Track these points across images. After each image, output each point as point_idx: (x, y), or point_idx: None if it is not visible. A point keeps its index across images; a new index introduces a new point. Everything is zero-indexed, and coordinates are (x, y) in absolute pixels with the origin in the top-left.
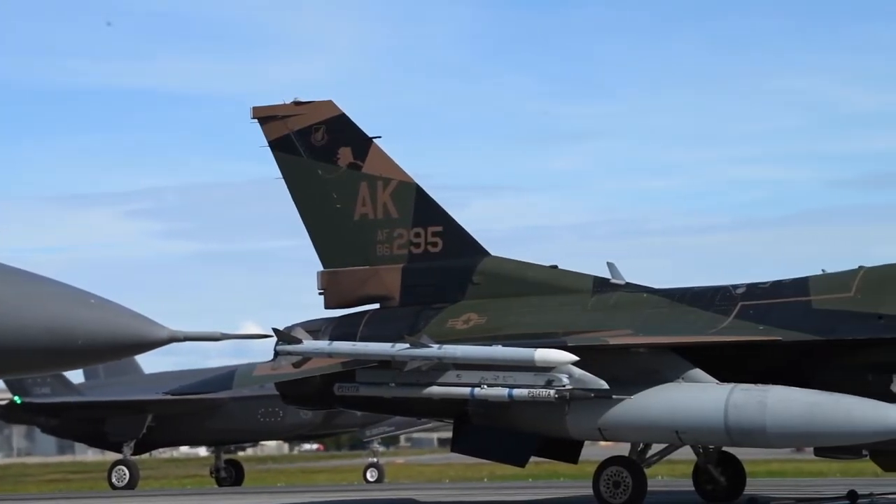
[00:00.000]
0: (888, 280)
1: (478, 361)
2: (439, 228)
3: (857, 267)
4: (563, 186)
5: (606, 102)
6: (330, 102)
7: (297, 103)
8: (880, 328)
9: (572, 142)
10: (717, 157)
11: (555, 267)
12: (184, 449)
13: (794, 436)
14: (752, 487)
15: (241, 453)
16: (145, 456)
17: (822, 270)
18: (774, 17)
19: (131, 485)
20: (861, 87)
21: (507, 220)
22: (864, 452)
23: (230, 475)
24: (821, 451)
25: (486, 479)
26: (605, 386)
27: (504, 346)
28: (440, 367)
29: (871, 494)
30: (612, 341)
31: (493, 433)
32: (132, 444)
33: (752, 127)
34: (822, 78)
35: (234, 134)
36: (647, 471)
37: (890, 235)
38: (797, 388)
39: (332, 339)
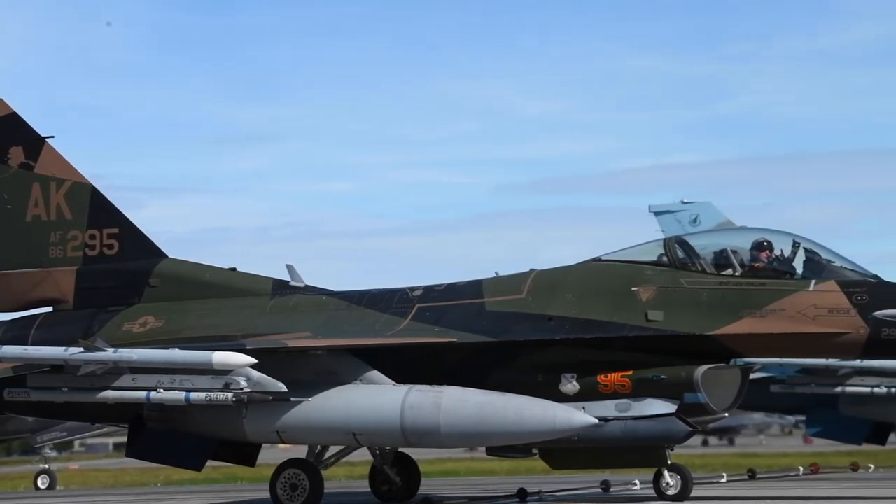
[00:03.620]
0: (557, 282)
1: (154, 365)
2: (115, 230)
3: (528, 269)
4: (242, 188)
5: (286, 105)
6: None
7: None
8: (550, 329)
9: (251, 144)
10: (396, 161)
11: (233, 269)
12: None
13: (467, 435)
14: (427, 487)
15: None
16: None
17: (496, 273)
18: (452, 22)
19: None
20: (531, 94)
21: (185, 222)
22: (534, 451)
23: None
24: (492, 451)
25: (160, 485)
26: (284, 388)
27: (181, 349)
28: (115, 370)
29: (539, 492)
30: (291, 344)
31: (168, 437)
32: None
33: (429, 131)
34: (495, 84)
35: None
36: (324, 472)
37: (559, 238)
38: (471, 389)
39: (2, 342)
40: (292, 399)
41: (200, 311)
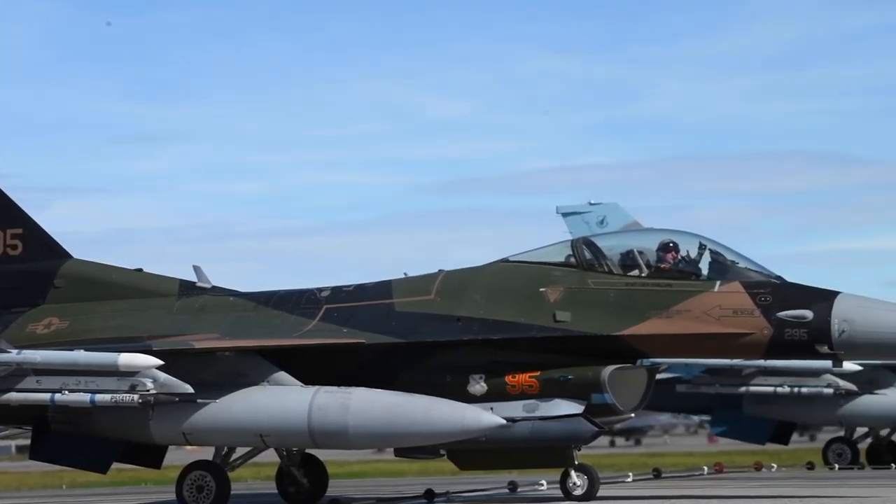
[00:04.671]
0: (466, 283)
1: (59, 366)
2: (19, 231)
3: (437, 270)
4: (149, 189)
5: (192, 104)
6: None
7: None
8: (458, 330)
9: (158, 144)
10: (304, 161)
11: (140, 270)
12: None
13: (376, 436)
14: (335, 488)
15: None
16: None
17: (405, 273)
18: (358, 21)
19: None
20: (440, 95)
21: (92, 223)
22: (442, 452)
23: None
24: (401, 452)
25: (65, 487)
26: (190, 390)
27: (87, 350)
28: (19, 372)
29: (447, 493)
30: (198, 345)
31: (73, 439)
32: None
33: (338, 131)
34: (404, 85)
35: None
36: (231, 474)
37: (467, 239)
38: (379, 390)
39: None
40: (199, 401)
41: (106, 312)
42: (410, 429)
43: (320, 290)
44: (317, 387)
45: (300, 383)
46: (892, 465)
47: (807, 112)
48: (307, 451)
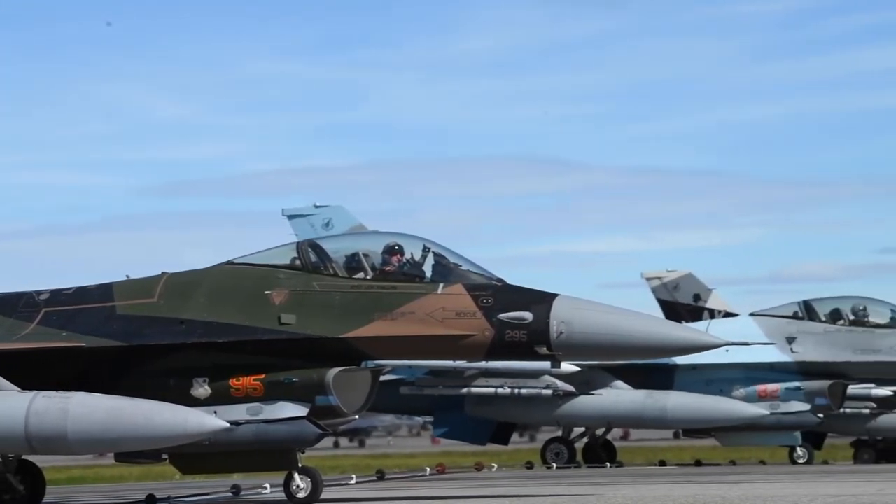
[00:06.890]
0: (189, 286)
1: None
2: None
3: (160, 273)
4: None
5: None
6: None
7: None
8: (181, 333)
9: None
10: (20, 162)
11: None
12: None
13: (96, 441)
14: (53, 495)
15: None
16: None
17: (127, 276)
18: (82, 21)
19: None
20: (162, 96)
21: None
22: (164, 456)
23: None
24: (121, 456)
25: None
26: None
27: None
28: None
29: (168, 498)
30: None
31: None
32: None
33: (59, 132)
34: (126, 86)
35: None
36: None
37: (192, 241)
38: (99, 395)
39: None
40: None
41: None
42: (132, 433)
43: (39, 293)
44: (35, 392)
45: (17, 388)
46: (608, 463)
47: (527, 118)
48: (24, 456)
